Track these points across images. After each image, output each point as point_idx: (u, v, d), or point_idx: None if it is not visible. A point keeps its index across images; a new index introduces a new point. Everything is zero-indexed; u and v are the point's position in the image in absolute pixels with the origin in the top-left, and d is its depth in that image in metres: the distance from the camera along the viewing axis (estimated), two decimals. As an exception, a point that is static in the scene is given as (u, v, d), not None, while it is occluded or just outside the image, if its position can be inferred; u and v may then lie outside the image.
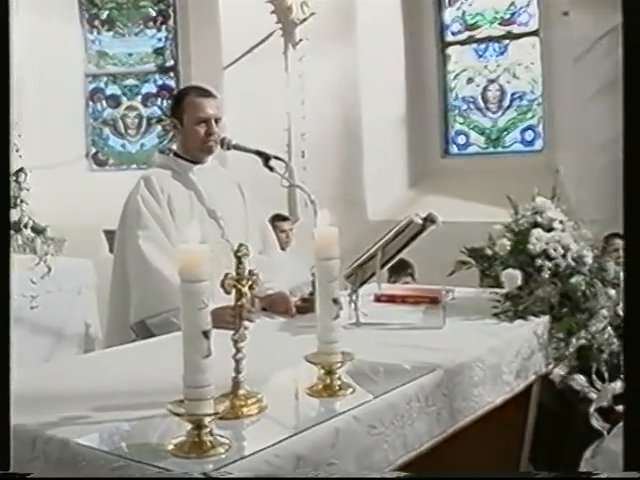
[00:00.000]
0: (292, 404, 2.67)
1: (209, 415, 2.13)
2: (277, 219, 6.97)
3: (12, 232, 6.62)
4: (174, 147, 4.30)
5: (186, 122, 4.15)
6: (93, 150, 9.77)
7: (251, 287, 2.39)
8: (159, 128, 9.60)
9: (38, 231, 6.68)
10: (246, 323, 2.42)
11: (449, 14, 9.04)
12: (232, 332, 2.40)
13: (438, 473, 2.86)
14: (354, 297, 3.64)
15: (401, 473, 2.61)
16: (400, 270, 6.24)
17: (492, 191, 7.45)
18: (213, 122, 4.13)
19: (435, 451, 2.86)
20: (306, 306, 3.89)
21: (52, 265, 6.55)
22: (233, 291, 2.39)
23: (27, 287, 6.46)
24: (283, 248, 5.90)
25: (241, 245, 2.38)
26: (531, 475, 3.62)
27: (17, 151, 6.72)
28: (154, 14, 9.74)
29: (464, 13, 8.99)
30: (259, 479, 2.11)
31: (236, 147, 4.13)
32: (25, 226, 6.68)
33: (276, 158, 4.10)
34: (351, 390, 2.64)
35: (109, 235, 8.30)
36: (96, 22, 9.81)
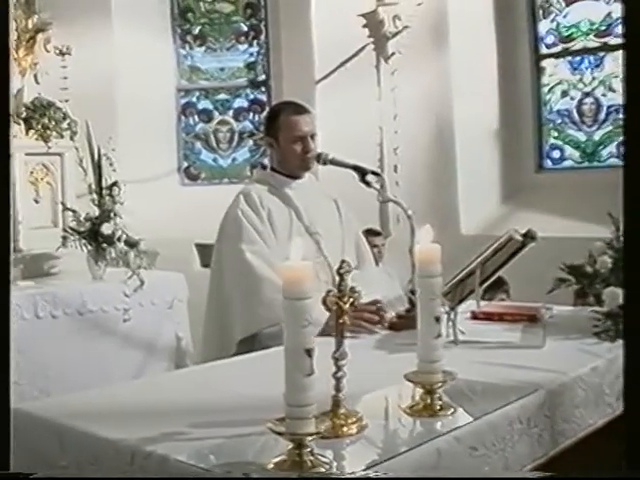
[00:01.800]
0: (392, 424, 2.62)
1: (311, 435, 2.09)
2: (369, 234, 6.91)
3: (105, 245, 6.72)
4: (266, 161, 4.29)
5: (282, 141, 4.13)
6: (185, 164, 9.84)
7: (352, 304, 2.36)
8: (251, 142, 9.63)
9: (131, 244, 6.76)
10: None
11: (543, 26, 8.88)
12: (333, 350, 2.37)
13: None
14: (452, 315, 3.59)
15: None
16: (496, 287, 6.15)
17: (587, 207, 7.33)
18: (309, 139, 4.10)
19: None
20: (401, 322, 3.85)
21: (145, 278, 6.62)
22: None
23: (120, 300, 6.56)
24: (376, 263, 5.85)
25: (343, 262, 2.34)
26: None
27: (111, 165, 6.83)
28: (246, 29, 9.80)
29: (558, 25, 8.81)
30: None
31: (333, 162, 4.09)
32: (119, 239, 6.76)
33: (373, 173, 4.04)
34: (452, 410, 2.60)
35: (201, 249, 8.39)
36: (188, 37, 9.91)
